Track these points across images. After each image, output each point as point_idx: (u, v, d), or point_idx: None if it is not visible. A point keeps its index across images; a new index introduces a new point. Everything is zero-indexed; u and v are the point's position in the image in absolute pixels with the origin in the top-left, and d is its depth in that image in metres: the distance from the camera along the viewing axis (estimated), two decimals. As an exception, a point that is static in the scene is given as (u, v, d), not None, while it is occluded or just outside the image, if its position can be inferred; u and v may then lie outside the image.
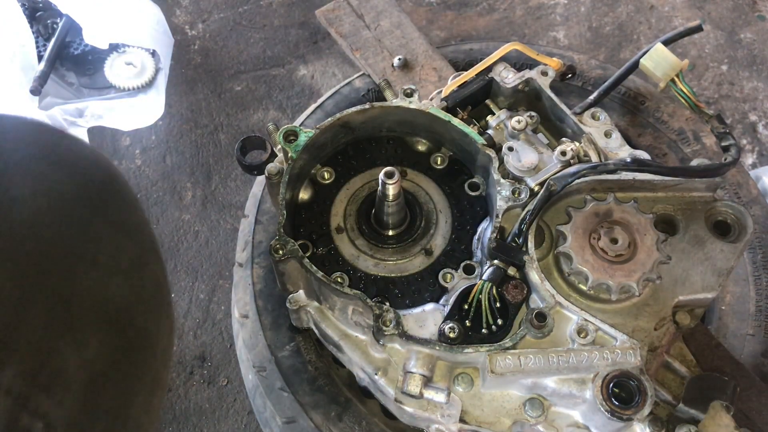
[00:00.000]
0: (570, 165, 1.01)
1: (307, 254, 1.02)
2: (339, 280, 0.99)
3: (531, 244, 0.94)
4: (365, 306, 0.91)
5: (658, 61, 1.05)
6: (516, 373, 0.86)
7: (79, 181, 0.62)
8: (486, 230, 1.02)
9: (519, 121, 1.07)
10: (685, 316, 0.96)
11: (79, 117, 1.95)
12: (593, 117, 1.10)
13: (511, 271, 0.94)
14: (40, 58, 1.94)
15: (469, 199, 1.07)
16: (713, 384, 0.90)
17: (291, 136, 1.01)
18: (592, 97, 1.16)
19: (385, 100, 1.23)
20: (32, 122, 0.61)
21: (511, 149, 1.03)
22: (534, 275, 0.93)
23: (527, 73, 1.14)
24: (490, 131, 1.09)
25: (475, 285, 0.93)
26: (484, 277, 0.93)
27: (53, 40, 1.99)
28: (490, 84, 1.15)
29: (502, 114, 1.12)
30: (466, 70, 1.17)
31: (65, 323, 0.57)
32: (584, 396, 0.86)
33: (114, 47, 2.02)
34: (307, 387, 1.11)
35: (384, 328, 0.90)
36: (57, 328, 0.56)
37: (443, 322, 0.92)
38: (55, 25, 2.02)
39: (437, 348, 0.88)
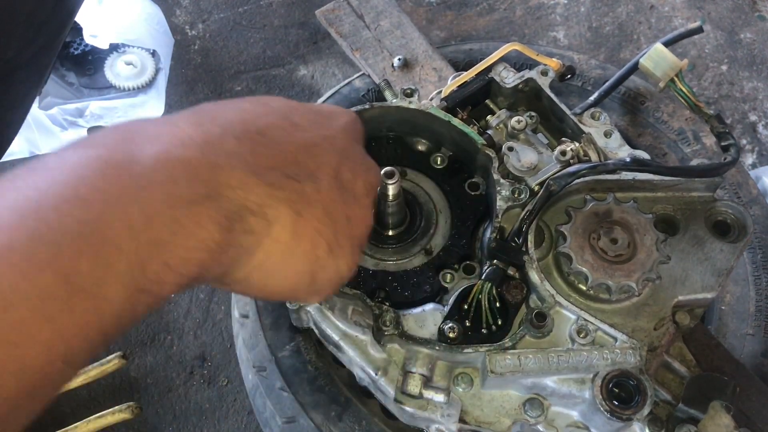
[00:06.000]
0: (570, 165, 1.01)
1: (307, 254, 1.02)
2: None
3: (531, 244, 0.94)
4: (365, 306, 0.91)
5: (658, 60, 1.05)
6: (515, 373, 0.86)
7: None
8: (486, 230, 1.02)
9: (519, 121, 1.07)
10: (685, 316, 0.96)
11: (79, 117, 1.95)
12: (593, 117, 1.10)
13: (511, 271, 0.94)
14: (40, 58, 1.94)
15: (468, 199, 1.07)
16: (713, 384, 0.90)
17: (291, 136, 1.01)
18: (592, 98, 1.16)
19: (385, 100, 1.23)
20: None
21: (510, 149, 1.03)
22: (534, 275, 0.93)
23: (527, 73, 1.14)
24: (489, 131, 1.09)
25: (474, 285, 0.93)
26: (484, 277, 0.93)
27: (53, 40, 1.99)
28: (489, 84, 1.15)
29: (502, 114, 1.12)
30: (466, 70, 1.17)
31: None
32: (584, 396, 0.86)
33: (114, 47, 2.02)
34: (307, 387, 1.11)
35: (384, 328, 0.90)
36: None
37: (443, 322, 0.92)
38: (55, 25, 2.02)
39: (437, 348, 0.88)
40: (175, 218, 0.52)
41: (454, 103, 1.11)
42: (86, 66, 2.06)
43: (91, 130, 1.96)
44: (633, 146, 1.08)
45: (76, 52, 2.06)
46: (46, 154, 0.54)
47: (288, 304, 1.01)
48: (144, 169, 0.52)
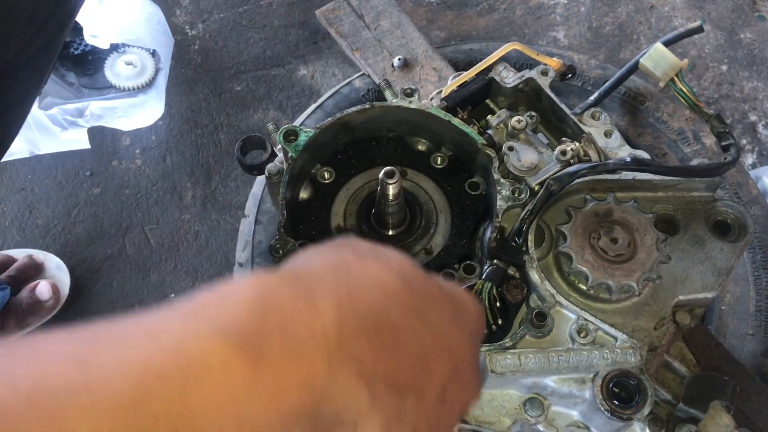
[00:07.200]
0: (570, 165, 1.01)
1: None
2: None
3: (531, 243, 0.94)
4: (365, 305, 0.90)
5: (658, 60, 1.06)
6: (516, 373, 0.86)
7: None
8: (486, 230, 1.02)
9: (519, 121, 1.07)
10: (685, 316, 0.96)
11: (79, 117, 1.95)
12: (593, 117, 1.10)
13: (511, 270, 0.95)
14: (40, 58, 1.94)
15: (469, 199, 1.07)
16: (713, 384, 0.90)
17: (291, 135, 1.01)
18: (592, 97, 1.16)
19: (385, 100, 1.23)
20: None
21: (511, 149, 1.03)
22: (534, 275, 0.93)
23: (527, 73, 1.14)
24: (490, 131, 1.09)
25: (475, 284, 0.93)
26: (484, 276, 0.93)
27: (53, 40, 1.99)
28: (489, 84, 1.15)
29: (502, 114, 1.12)
30: (466, 70, 1.17)
31: None
32: (584, 395, 0.86)
33: (114, 47, 2.02)
34: (307, 387, 1.11)
35: (384, 327, 0.89)
36: None
37: (443, 321, 0.92)
38: (55, 25, 2.02)
39: (437, 347, 0.88)
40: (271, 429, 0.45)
41: (454, 103, 1.11)
42: (86, 66, 2.06)
43: (90, 130, 1.96)
44: (633, 146, 1.08)
45: (76, 52, 2.06)
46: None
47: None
48: (257, 373, 0.45)
